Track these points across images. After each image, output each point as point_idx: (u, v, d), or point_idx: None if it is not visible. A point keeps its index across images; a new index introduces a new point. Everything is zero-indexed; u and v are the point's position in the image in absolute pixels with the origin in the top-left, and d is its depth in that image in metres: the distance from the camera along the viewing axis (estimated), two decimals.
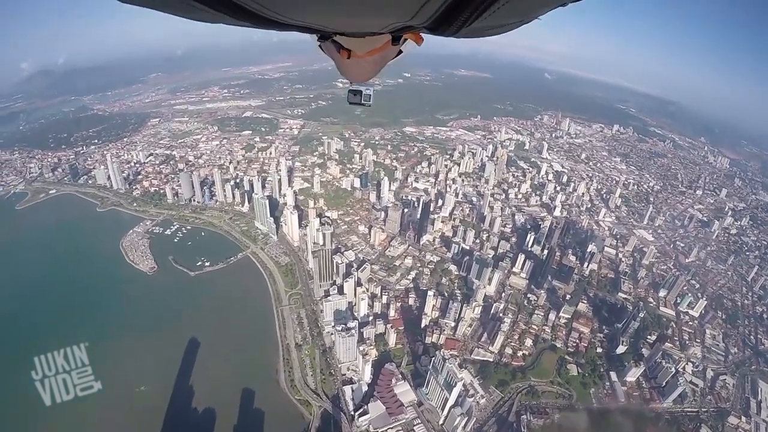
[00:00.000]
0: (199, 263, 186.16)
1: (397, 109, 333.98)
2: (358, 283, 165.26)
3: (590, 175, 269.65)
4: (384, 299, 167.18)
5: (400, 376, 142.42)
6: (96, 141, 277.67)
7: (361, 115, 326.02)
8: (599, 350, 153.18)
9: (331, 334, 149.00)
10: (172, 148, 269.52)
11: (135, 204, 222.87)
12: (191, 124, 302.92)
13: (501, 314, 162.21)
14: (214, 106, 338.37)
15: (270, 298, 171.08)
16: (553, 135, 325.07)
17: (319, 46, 4.12)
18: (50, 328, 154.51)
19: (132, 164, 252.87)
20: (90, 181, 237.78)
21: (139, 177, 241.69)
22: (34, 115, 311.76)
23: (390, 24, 2.84)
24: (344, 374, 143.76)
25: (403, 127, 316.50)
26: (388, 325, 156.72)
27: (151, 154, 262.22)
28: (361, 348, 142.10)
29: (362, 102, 7.00)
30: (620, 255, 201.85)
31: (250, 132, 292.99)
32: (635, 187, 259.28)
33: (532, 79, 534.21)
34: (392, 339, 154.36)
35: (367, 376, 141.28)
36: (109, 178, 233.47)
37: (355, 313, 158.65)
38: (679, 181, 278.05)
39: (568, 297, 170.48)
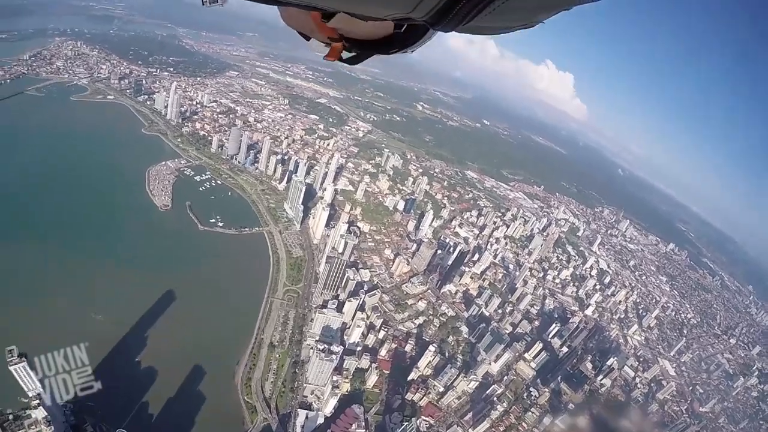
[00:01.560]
0: (213, 220, 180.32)
1: (466, 150, 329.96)
2: (361, 307, 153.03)
3: (632, 284, 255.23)
4: (381, 334, 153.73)
5: (363, 423, 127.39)
6: (171, 69, 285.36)
7: (430, 142, 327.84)
8: None
9: (311, 348, 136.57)
10: (237, 103, 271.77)
11: (179, 140, 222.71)
12: (265, 89, 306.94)
13: (495, 398, 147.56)
14: (294, 82, 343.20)
15: (266, 284, 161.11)
16: (609, 232, 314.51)
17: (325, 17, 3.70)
18: (39, 222, 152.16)
19: (194, 103, 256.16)
20: (148, 102, 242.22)
21: (195, 117, 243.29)
22: (127, 26, 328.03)
23: (391, 14, 2.89)
24: (306, 396, 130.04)
25: (466, 169, 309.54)
26: (374, 364, 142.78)
27: (215, 101, 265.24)
28: (335, 378, 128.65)
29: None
30: (638, 380, 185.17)
31: (318, 118, 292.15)
32: (673, 313, 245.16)
33: (604, 170, 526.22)
34: (372, 380, 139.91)
35: (329, 409, 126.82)
36: (166, 106, 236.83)
37: (345, 337, 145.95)
38: (716, 322, 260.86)
39: (571, 406, 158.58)
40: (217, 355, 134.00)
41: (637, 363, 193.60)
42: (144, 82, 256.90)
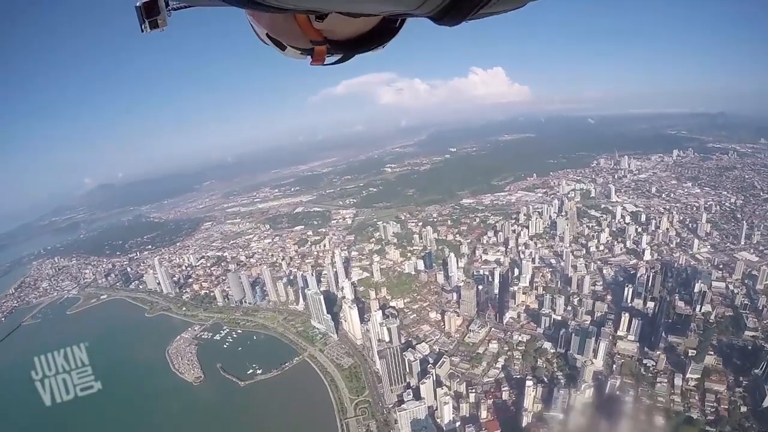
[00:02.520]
0: (250, 371, 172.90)
1: (450, 183, 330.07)
2: (438, 383, 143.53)
3: (668, 207, 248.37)
4: (471, 398, 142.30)
5: None
6: (149, 246, 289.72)
7: (414, 194, 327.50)
8: (744, 409, 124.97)
9: None
10: (223, 250, 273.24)
11: (184, 308, 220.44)
12: (243, 225, 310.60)
13: (617, 391, 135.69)
14: (266, 206, 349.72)
15: (332, 409, 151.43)
16: (616, 176, 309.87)
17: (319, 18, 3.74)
18: None
19: (183, 268, 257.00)
20: (141, 286, 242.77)
21: (190, 280, 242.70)
22: (93, 225, 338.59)
23: (395, 10, 2.90)
24: None
25: (460, 200, 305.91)
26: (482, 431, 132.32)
27: (202, 257, 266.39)
28: None
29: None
30: (731, 286, 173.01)
31: (303, 227, 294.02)
32: (718, 208, 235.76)
33: (576, 128, 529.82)
34: None
35: None
36: (158, 282, 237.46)
37: (438, 421, 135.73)
38: (758, 189, 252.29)
39: (691, 353, 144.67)
40: None
41: (720, 272, 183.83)
42: (129, 269, 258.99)
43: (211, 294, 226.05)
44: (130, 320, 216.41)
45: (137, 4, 4.02)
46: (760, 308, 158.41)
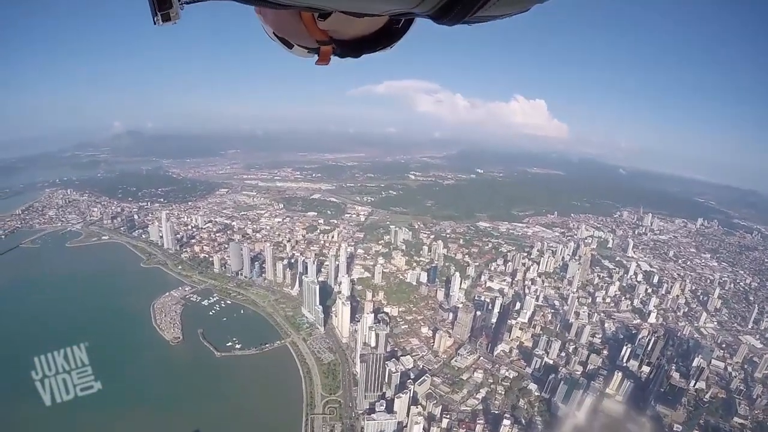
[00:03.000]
0: (229, 343, 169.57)
1: (471, 203, 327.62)
2: (414, 400, 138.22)
3: (682, 274, 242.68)
4: (444, 423, 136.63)
5: None
6: (162, 200, 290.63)
7: (433, 207, 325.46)
8: None
9: None
10: (232, 219, 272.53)
11: (180, 267, 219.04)
12: (257, 199, 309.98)
13: None
14: (284, 185, 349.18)
15: (301, 401, 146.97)
16: (636, 232, 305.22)
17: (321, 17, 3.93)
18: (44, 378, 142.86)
19: (189, 227, 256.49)
20: (143, 236, 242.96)
21: (192, 241, 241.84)
22: (113, 167, 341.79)
23: (395, 9, 2.92)
24: None
25: (477, 222, 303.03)
26: None
27: (210, 221, 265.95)
28: None
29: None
30: (729, 368, 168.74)
31: (316, 213, 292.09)
32: (732, 285, 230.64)
33: (606, 175, 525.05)
34: None
35: None
36: (161, 236, 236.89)
37: None
38: None
39: (676, 427, 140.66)
40: None
41: (722, 351, 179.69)
42: (136, 217, 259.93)
43: (210, 259, 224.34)
44: (124, 266, 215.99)
45: None
46: (754, 397, 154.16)
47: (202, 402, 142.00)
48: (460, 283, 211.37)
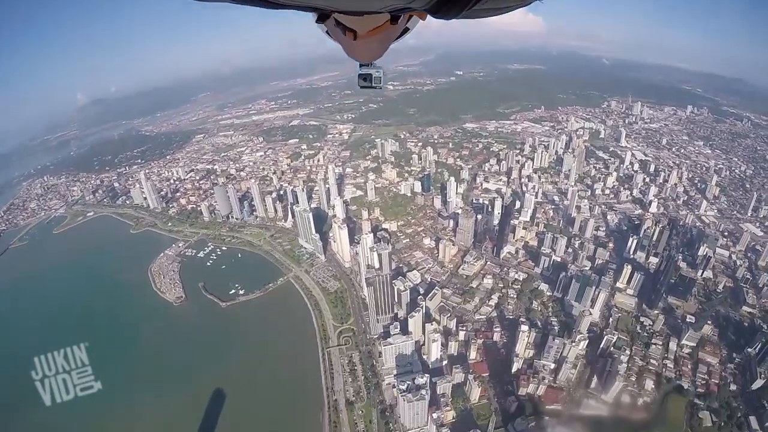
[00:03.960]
0: (233, 291, 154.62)
1: (454, 105, 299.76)
2: (427, 317, 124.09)
3: (677, 162, 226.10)
4: (461, 335, 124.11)
5: None
6: (139, 161, 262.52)
7: (416, 114, 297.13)
8: (733, 387, 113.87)
9: (393, 387, 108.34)
10: (214, 163, 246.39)
11: (170, 224, 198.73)
12: (236, 137, 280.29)
13: (612, 347, 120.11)
14: (261, 118, 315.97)
15: (315, 336, 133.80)
16: (626, 121, 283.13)
17: (326, 32, 4.20)
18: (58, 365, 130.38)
19: (171, 181, 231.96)
20: (128, 202, 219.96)
21: (177, 194, 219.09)
22: (84, 141, 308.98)
23: (389, 4, 2.83)
24: None
25: (463, 124, 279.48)
26: (469, 373, 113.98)
27: (191, 170, 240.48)
28: (435, 415, 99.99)
29: (373, 85, 6.61)
30: (734, 257, 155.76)
31: (297, 140, 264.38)
32: (727, 173, 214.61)
33: (589, 66, 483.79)
34: (475, 393, 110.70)
35: None
36: (145, 197, 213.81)
37: (425, 357, 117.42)
38: None
39: (689, 318, 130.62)
40: None
41: (725, 239, 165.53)
42: (117, 185, 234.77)
43: (198, 209, 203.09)
44: (114, 237, 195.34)
45: None
46: (761, 285, 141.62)
47: (217, 357, 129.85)
48: (456, 188, 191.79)
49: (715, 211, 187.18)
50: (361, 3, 2.79)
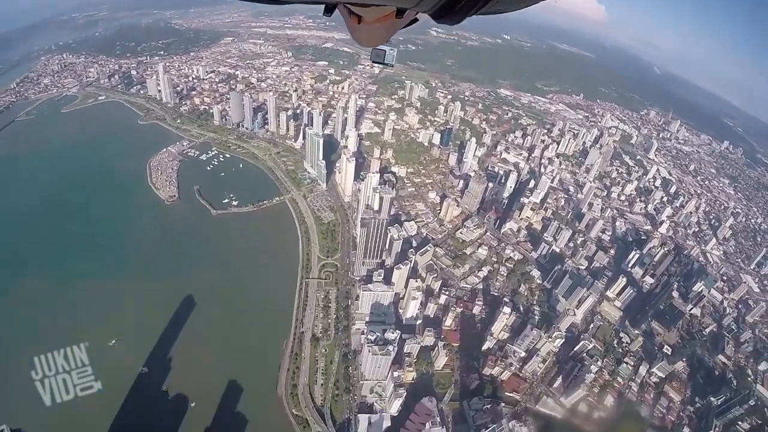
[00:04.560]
0: (226, 200, 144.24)
1: (493, 68, 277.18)
2: (413, 272, 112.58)
3: (698, 192, 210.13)
4: (442, 299, 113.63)
5: (437, 417, 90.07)
6: (162, 52, 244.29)
7: (453, 66, 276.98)
8: (686, 430, 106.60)
9: (362, 334, 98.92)
10: (236, 68, 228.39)
11: (179, 121, 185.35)
12: (265, 47, 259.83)
13: (585, 354, 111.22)
14: (295, 34, 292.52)
15: (297, 263, 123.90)
16: (661, 135, 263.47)
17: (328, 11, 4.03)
18: (40, 248, 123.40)
19: (190, 79, 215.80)
20: (142, 92, 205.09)
21: (193, 93, 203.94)
22: (112, 24, 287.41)
23: (395, 3, 2.82)
24: (365, 396, 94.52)
25: (498, 88, 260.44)
26: (440, 339, 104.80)
27: (212, 71, 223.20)
28: (396, 374, 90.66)
29: (384, 61, 6.60)
30: (725, 303, 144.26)
31: (326, 63, 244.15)
32: (744, 219, 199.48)
33: (639, 70, 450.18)
34: (440, 360, 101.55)
35: (395, 408, 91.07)
36: (159, 90, 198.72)
37: (401, 312, 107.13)
38: None
39: (666, 348, 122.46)
40: (253, 363, 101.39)
41: (723, 284, 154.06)
42: (135, 72, 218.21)
43: (210, 111, 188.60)
44: (121, 125, 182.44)
45: None
46: (742, 340, 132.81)
47: (194, 264, 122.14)
48: (475, 150, 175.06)
49: (721, 252, 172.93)
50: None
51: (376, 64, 6.91)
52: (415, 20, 4.03)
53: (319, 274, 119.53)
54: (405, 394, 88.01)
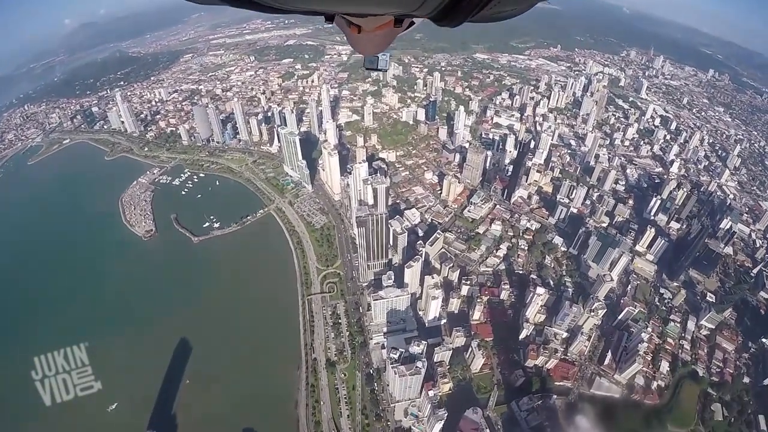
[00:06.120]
0: (206, 224, 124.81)
1: (463, 34, 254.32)
2: (426, 264, 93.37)
3: (698, 125, 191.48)
4: (464, 290, 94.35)
5: (486, 430, 72.37)
6: (122, 83, 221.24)
7: (422, 39, 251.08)
8: (746, 380, 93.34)
9: (382, 347, 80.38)
10: (199, 83, 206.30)
11: (146, 149, 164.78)
12: (226, 57, 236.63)
13: (630, 320, 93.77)
14: (254, 38, 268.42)
15: (295, 279, 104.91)
16: (647, 73, 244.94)
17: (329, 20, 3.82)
18: (11, 311, 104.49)
19: (153, 103, 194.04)
20: (105, 126, 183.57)
21: (157, 117, 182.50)
22: (69, 67, 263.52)
23: (393, 10, 2.72)
24: (399, 421, 76.53)
25: (473, 53, 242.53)
26: (471, 338, 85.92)
27: (175, 91, 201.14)
28: (431, 393, 71.83)
29: (378, 67, 6.69)
30: (754, 235, 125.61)
31: (292, 60, 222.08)
32: (748, 145, 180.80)
33: (608, 13, 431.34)
34: (477, 362, 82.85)
35: (437, 431, 72.48)
36: (122, 121, 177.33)
37: (421, 314, 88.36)
38: None
39: (709, 297, 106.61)
40: (266, 404, 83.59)
41: (744, 214, 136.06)
42: (97, 108, 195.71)
43: (177, 132, 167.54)
44: (87, 165, 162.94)
45: None
46: None
47: (183, 303, 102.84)
48: (465, 120, 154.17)
49: (736, 182, 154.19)
50: (365, 8, 2.57)
51: (370, 71, 6.68)
52: (412, 23, 3.93)
53: (322, 287, 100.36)
54: (446, 415, 69.21)
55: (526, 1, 2.60)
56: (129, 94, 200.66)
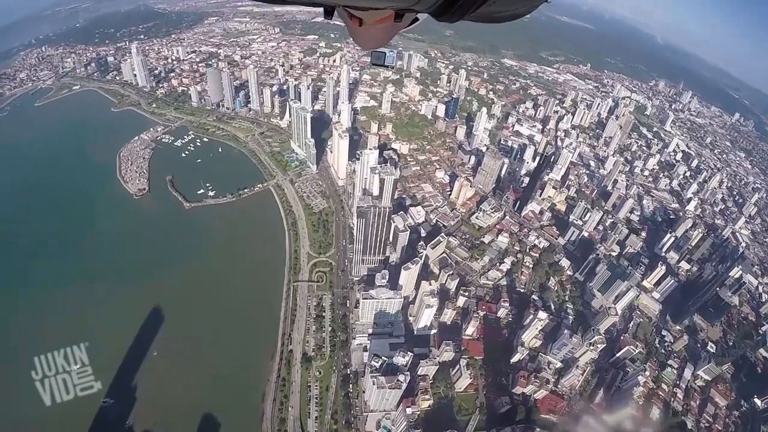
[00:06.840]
0: (201, 191, 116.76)
1: (495, 38, 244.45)
2: (424, 267, 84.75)
3: (717, 166, 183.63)
4: (460, 301, 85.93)
5: None
6: (142, 36, 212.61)
7: (452, 37, 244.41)
8: None
9: (364, 349, 72.31)
10: (219, 47, 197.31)
11: (154, 105, 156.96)
12: (251, 25, 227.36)
13: (628, 360, 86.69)
14: (282, 9, 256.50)
15: (283, 263, 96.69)
16: (673, 106, 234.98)
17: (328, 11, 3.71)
18: None
19: (169, 60, 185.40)
20: (117, 78, 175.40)
21: (171, 75, 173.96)
22: (94, 13, 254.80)
23: (393, 4, 2.66)
24: None
25: (502, 58, 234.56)
26: (461, 354, 77.51)
27: (193, 51, 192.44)
28: (409, 410, 64.14)
29: (385, 63, 6.52)
30: (761, 288, 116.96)
31: (316, 37, 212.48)
32: (765, 195, 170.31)
33: (640, 40, 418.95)
34: (463, 381, 74.49)
35: None
36: (135, 74, 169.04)
37: (411, 320, 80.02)
38: None
39: (710, 346, 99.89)
40: (232, 392, 76.23)
41: (754, 266, 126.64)
42: (112, 59, 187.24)
43: (188, 92, 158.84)
44: (93, 114, 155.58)
45: None
46: None
47: (163, 270, 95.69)
48: (485, 122, 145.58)
49: (750, 231, 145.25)
50: (364, 1, 2.51)
51: (376, 67, 6.61)
52: (416, 20, 3.85)
53: (310, 275, 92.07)
54: (420, 416, 61.05)
55: (523, 3, 2.55)
56: (147, 48, 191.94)
